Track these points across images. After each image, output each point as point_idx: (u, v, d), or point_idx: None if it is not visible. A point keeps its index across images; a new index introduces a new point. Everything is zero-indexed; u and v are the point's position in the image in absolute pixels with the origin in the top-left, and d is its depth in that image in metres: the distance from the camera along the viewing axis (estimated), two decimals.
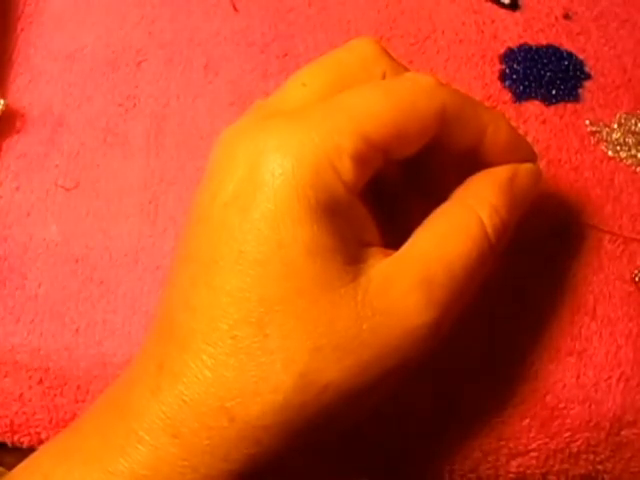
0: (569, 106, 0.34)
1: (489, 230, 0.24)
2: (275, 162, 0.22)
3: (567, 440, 0.28)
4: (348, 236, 0.23)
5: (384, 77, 0.26)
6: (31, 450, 0.30)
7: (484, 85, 0.35)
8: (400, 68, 0.27)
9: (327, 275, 0.22)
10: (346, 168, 0.22)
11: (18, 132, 0.35)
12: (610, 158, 0.33)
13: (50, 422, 0.31)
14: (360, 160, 0.23)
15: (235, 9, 0.38)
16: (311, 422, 0.22)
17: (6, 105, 0.34)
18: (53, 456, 0.23)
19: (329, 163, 0.22)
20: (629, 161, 0.33)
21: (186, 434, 0.22)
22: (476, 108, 0.25)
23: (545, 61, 0.35)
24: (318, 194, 0.22)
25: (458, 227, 0.24)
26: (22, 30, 0.37)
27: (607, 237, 0.31)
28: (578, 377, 0.29)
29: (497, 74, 0.35)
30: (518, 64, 0.35)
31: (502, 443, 0.28)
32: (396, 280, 0.23)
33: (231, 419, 0.21)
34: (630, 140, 0.33)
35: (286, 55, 0.36)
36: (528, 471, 0.28)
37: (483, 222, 0.24)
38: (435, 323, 0.23)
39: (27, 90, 0.36)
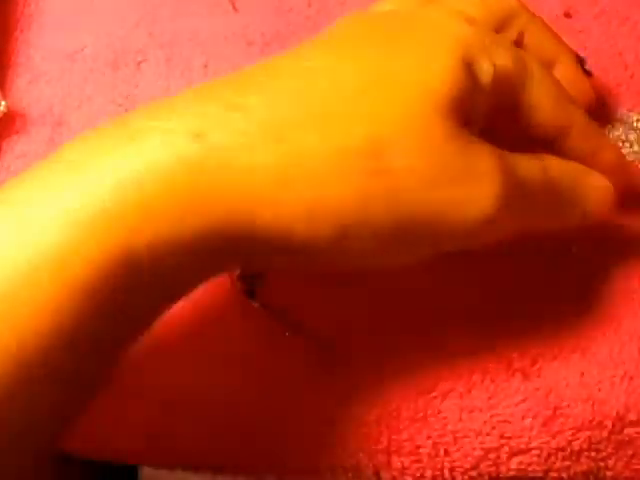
0: None
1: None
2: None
3: (569, 438, 0.28)
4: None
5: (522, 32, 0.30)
6: None
7: None
8: (540, 24, 0.31)
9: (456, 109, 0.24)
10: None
11: (18, 132, 0.35)
12: None
13: None
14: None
15: (235, 9, 0.38)
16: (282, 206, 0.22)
17: (6, 106, 0.35)
18: None
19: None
20: (631, 157, 0.33)
21: None
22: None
23: None
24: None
25: None
26: (22, 30, 0.37)
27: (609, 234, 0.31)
28: (582, 375, 0.29)
29: None
30: None
31: (503, 441, 0.28)
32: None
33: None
34: (632, 136, 0.33)
35: None
36: (529, 468, 0.28)
37: None
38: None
39: (27, 90, 0.36)
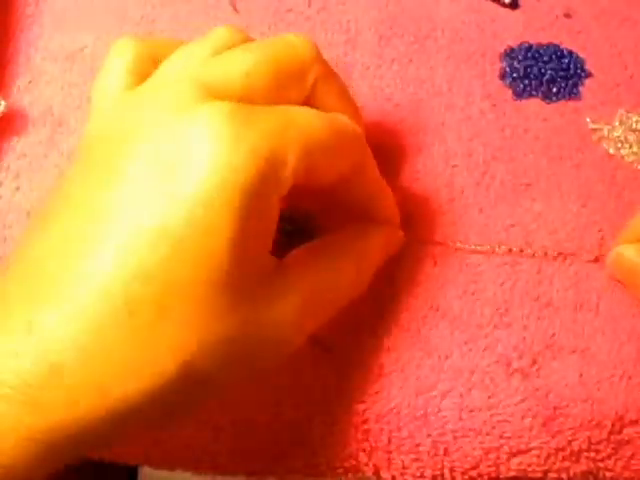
0: (570, 104, 0.34)
1: None
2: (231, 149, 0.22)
3: (568, 439, 0.28)
4: (262, 249, 0.23)
5: (314, 84, 0.27)
6: None
7: (484, 83, 0.35)
8: (331, 76, 0.28)
9: (241, 271, 0.22)
10: (286, 183, 0.23)
11: (18, 133, 0.35)
12: (611, 156, 0.33)
13: None
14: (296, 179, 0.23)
15: (235, 9, 0.38)
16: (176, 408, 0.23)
17: (6, 107, 0.35)
18: None
19: (275, 173, 0.22)
20: (630, 158, 0.33)
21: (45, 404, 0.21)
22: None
23: (546, 59, 0.35)
24: (257, 195, 0.22)
25: None
26: (22, 30, 0.37)
27: (608, 234, 0.31)
28: (581, 375, 0.29)
29: (497, 72, 0.35)
30: (518, 62, 0.35)
31: (503, 441, 0.28)
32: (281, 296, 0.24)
33: (104, 395, 0.21)
34: (631, 137, 0.33)
35: None
36: (529, 469, 0.28)
37: None
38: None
39: (27, 91, 0.36)
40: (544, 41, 0.36)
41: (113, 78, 0.26)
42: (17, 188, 0.34)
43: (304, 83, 0.27)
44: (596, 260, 0.31)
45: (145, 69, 0.26)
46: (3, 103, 0.34)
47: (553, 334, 0.29)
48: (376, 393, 0.29)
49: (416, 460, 0.28)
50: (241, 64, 0.25)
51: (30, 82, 0.36)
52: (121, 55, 0.27)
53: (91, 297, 0.21)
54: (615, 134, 0.33)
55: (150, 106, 0.24)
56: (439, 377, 0.29)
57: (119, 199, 0.22)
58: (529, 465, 0.28)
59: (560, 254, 0.31)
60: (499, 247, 0.31)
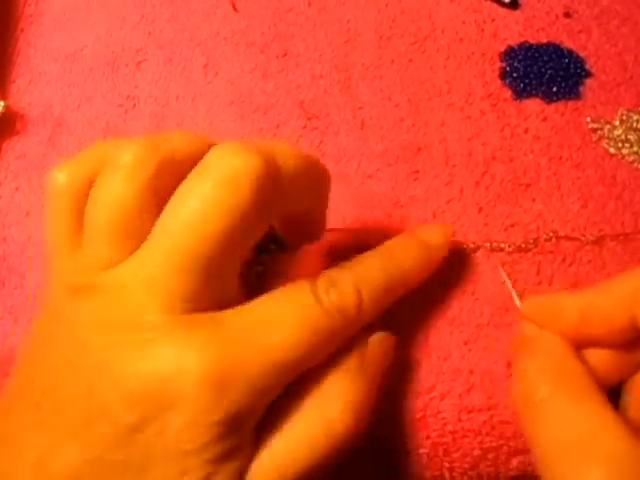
0: (570, 103, 0.34)
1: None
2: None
3: None
4: None
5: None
6: None
7: (485, 83, 0.35)
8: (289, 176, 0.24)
9: None
10: None
11: (18, 133, 0.35)
12: (612, 155, 0.33)
13: None
14: None
15: (235, 9, 0.38)
16: None
17: (6, 107, 0.35)
18: None
19: None
20: (631, 158, 0.33)
21: None
22: None
23: (546, 59, 0.35)
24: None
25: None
26: (22, 30, 0.37)
27: (608, 235, 0.31)
28: None
29: (498, 72, 0.35)
30: (519, 62, 0.35)
31: (502, 441, 0.28)
32: None
33: None
34: (632, 137, 0.33)
35: (286, 55, 0.36)
36: (528, 468, 0.28)
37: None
38: None
39: (27, 91, 0.36)
40: (544, 40, 0.36)
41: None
42: (17, 188, 0.34)
43: (265, 215, 0.23)
44: (595, 260, 0.31)
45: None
46: (2, 104, 0.34)
47: None
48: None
49: (415, 462, 0.28)
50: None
51: (30, 82, 0.36)
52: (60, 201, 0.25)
53: None
54: (616, 133, 0.33)
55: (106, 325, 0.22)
56: (438, 378, 0.29)
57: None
58: (529, 465, 0.28)
59: (560, 254, 0.31)
60: (500, 245, 0.31)
